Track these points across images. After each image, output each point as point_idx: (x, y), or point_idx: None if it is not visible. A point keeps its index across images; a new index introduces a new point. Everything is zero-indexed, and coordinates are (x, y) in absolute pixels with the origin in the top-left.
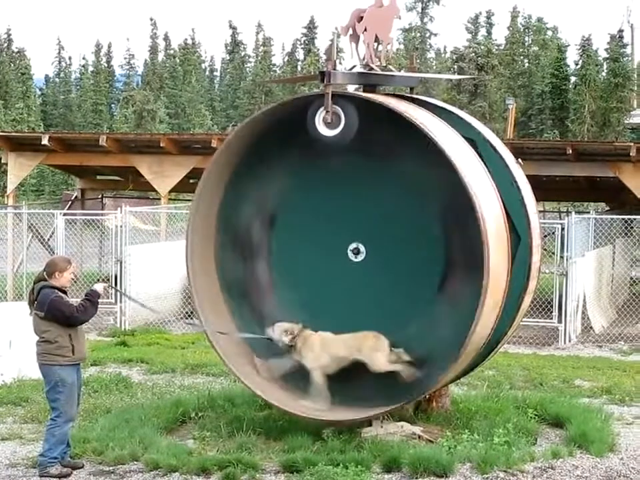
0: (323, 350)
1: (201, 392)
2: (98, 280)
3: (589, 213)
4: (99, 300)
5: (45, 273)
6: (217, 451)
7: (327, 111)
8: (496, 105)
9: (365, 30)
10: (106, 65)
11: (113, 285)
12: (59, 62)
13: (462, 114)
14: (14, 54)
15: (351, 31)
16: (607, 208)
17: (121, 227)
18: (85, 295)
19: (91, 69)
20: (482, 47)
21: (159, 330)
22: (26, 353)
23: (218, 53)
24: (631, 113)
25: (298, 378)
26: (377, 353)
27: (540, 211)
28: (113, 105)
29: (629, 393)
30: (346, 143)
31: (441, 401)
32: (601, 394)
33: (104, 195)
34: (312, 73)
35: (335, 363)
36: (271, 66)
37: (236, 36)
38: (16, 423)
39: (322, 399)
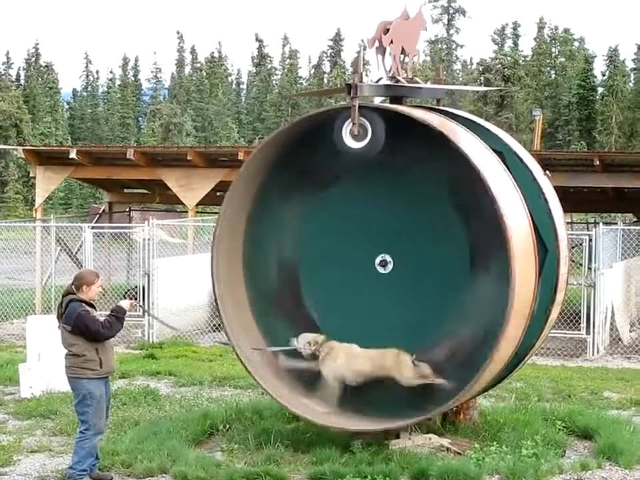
0: (348, 362)
1: (228, 404)
2: (125, 294)
3: (616, 224)
4: (125, 316)
5: (72, 286)
6: (245, 463)
7: (354, 124)
8: (522, 116)
9: (391, 42)
10: (133, 79)
11: (140, 304)
12: (87, 76)
13: (489, 126)
14: (42, 68)
15: (377, 43)
16: (635, 219)
17: (149, 239)
18: (111, 311)
19: (118, 82)
20: (508, 58)
21: (186, 342)
22: (55, 365)
23: (244, 66)
24: None
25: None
26: (402, 368)
27: (567, 222)
28: (140, 119)
29: None
30: (373, 155)
31: (468, 413)
32: (629, 406)
33: (131, 208)
34: (338, 86)
35: (357, 377)
36: (297, 78)
37: (262, 49)
38: (45, 435)
39: (328, 404)
